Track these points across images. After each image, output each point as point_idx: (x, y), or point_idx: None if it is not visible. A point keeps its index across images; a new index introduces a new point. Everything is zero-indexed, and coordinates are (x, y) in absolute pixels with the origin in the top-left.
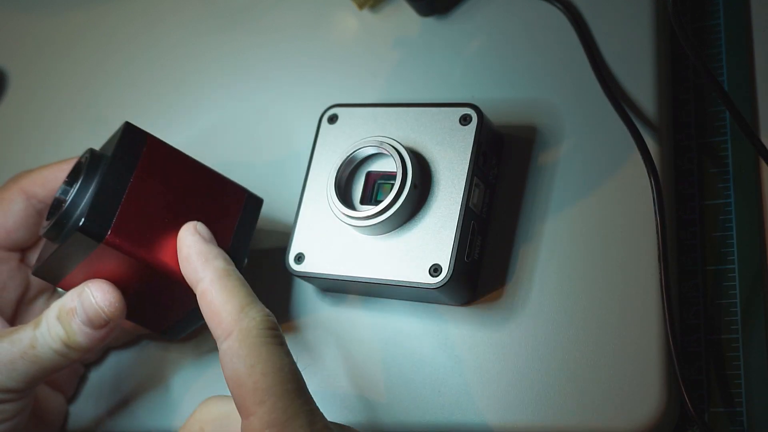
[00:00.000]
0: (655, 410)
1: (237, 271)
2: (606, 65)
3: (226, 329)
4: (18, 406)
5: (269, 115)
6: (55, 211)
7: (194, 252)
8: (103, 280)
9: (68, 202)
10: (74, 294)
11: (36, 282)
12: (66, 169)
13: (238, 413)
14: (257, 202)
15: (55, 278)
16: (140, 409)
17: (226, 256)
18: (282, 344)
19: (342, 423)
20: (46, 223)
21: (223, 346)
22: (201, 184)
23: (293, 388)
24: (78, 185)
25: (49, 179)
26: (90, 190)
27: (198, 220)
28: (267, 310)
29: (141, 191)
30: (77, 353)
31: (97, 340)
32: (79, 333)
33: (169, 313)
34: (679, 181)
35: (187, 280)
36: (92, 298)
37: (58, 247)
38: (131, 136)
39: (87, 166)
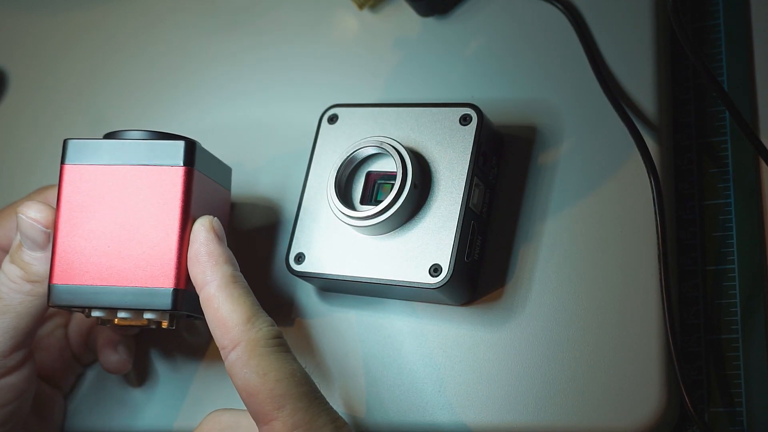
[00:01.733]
0: (655, 410)
1: (243, 278)
2: (606, 65)
3: (234, 339)
4: (17, 381)
5: (269, 115)
6: None
7: (205, 252)
8: (31, 200)
9: None
10: (14, 231)
11: None
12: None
13: (245, 423)
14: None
15: None
16: (139, 409)
17: (234, 259)
18: (289, 351)
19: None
20: None
21: (231, 356)
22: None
23: (309, 390)
24: None
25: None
26: None
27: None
28: (271, 320)
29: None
30: (42, 285)
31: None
32: (34, 262)
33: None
34: (679, 181)
35: (192, 279)
36: (25, 217)
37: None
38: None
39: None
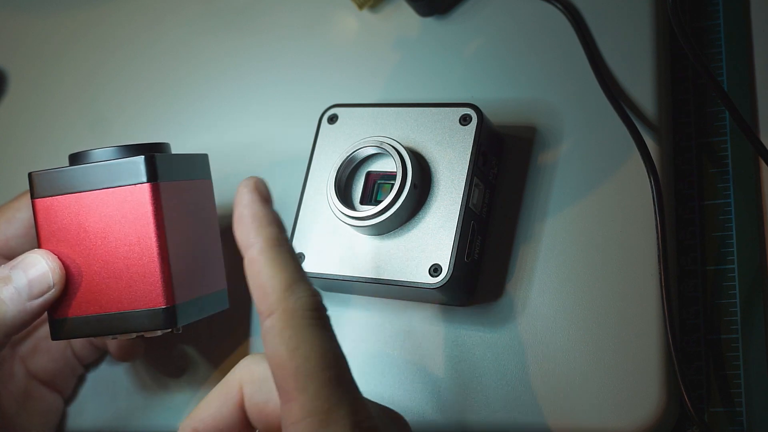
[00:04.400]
0: (655, 410)
1: (289, 242)
2: (606, 65)
3: (271, 306)
4: None
5: (269, 115)
6: None
7: (249, 213)
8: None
9: None
10: (7, 264)
11: None
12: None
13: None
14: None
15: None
16: (140, 409)
17: (281, 221)
18: (327, 328)
19: None
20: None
21: (266, 323)
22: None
23: (336, 374)
24: None
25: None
26: None
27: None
28: (314, 289)
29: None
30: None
31: (29, 314)
32: (11, 302)
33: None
34: (678, 181)
35: (237, 242)
36: (44, 260)
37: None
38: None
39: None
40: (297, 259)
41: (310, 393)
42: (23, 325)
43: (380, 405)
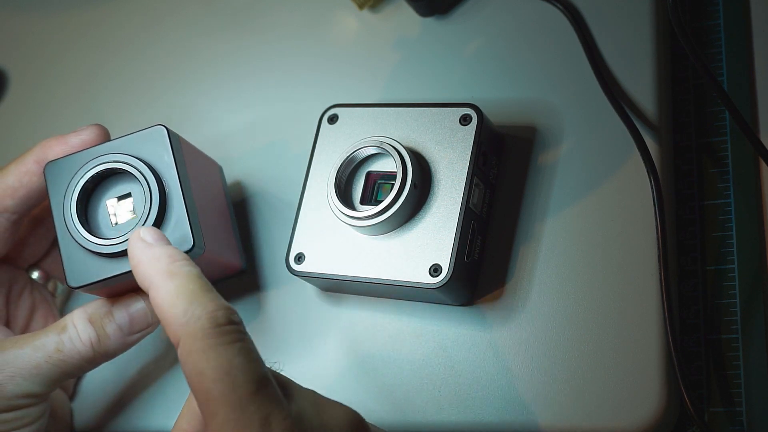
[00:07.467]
0: (655, 410)
1: (185, 267)
2: (606, 65)
3: (175, 335)
4: (40, 409)
5: (269, 115)
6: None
7: (138, 261)
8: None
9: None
10: (107, 301)
11: (21, 279)
12: (32, 171)
13: None
14: (220, 168)
15: (99, 291)
16: (140, 409)
17: (172, 251)
18: (232, 342)
19: None
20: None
21: (178, 352)
22: (202, 169)
23: (247, 391)
24: (150, 203)
25: (17, 188)
26: (175, 209)
27: (209, 204)
28: (214, 304)
29: (195, 194)
30: (103, 358)
31: (127, 345)
32: (113, 336)
33: None
34: (679, 181)
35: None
36: (142, 300)
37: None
38: (173, 142)
39: (145, 180)
40: (196, 280)
41: (219, 419)
42: (120, 353)
43: (327, 402)
